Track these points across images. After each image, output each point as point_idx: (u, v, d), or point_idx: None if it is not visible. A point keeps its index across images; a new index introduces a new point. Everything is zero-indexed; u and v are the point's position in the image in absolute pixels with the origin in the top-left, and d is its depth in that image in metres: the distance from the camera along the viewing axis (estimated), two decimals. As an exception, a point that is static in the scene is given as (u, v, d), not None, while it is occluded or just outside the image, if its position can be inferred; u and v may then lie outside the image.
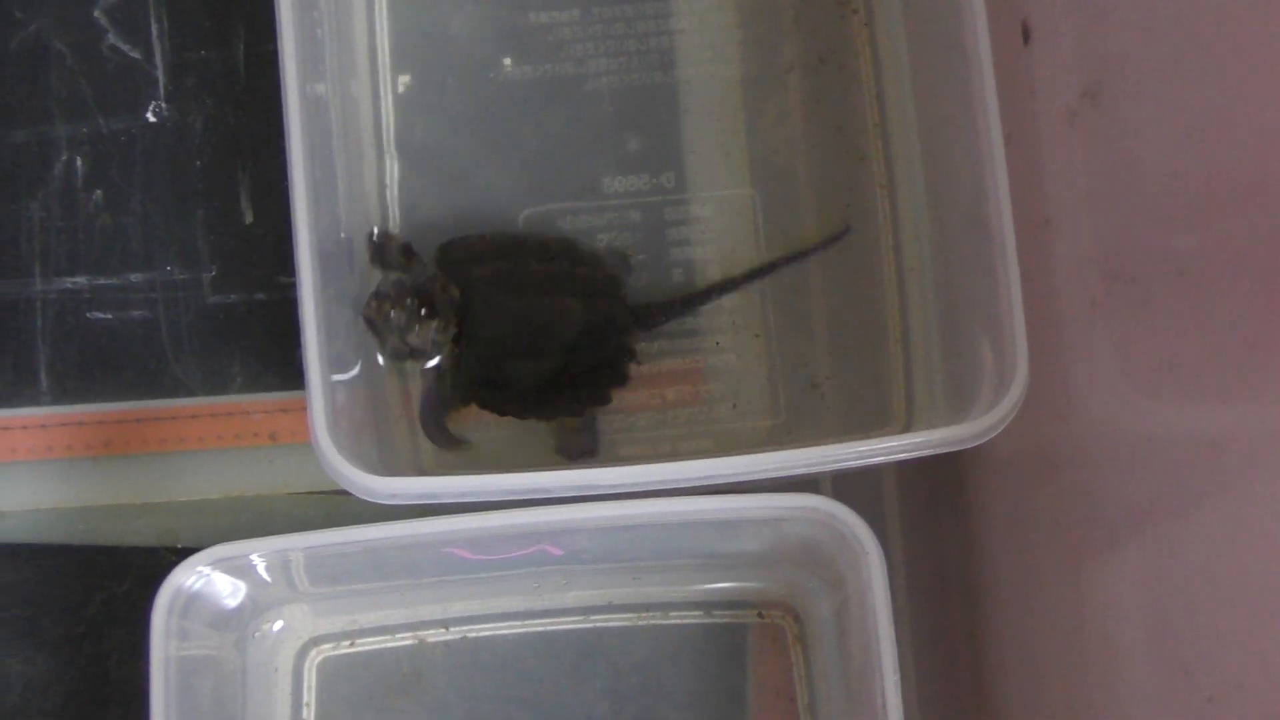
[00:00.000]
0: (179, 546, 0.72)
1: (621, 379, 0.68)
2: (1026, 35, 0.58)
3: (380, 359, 0.67)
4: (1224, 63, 0.44)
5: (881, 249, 0.71)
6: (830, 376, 0.71)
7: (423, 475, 0.60)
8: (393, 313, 0.64)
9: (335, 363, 0.60)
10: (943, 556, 0.74)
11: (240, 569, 0.59)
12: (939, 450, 0.58)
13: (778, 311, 0.72)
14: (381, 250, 0.68)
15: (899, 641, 0.71)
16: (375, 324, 0.64)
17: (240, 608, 0.62)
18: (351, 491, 0.57)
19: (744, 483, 0.59)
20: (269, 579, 0.60)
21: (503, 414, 0.66)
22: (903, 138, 0.70)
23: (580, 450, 0.68)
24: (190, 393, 0.73)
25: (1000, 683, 0.70)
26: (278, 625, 0.66)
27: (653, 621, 0.70)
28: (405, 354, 0.65)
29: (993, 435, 0.57)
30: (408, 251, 0.67)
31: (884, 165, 0.71)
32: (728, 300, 0.72)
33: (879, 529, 0.73)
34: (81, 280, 0.73)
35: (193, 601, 0.58)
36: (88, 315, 0.73)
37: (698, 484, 0.57)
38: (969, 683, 0.72)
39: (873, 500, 0.75)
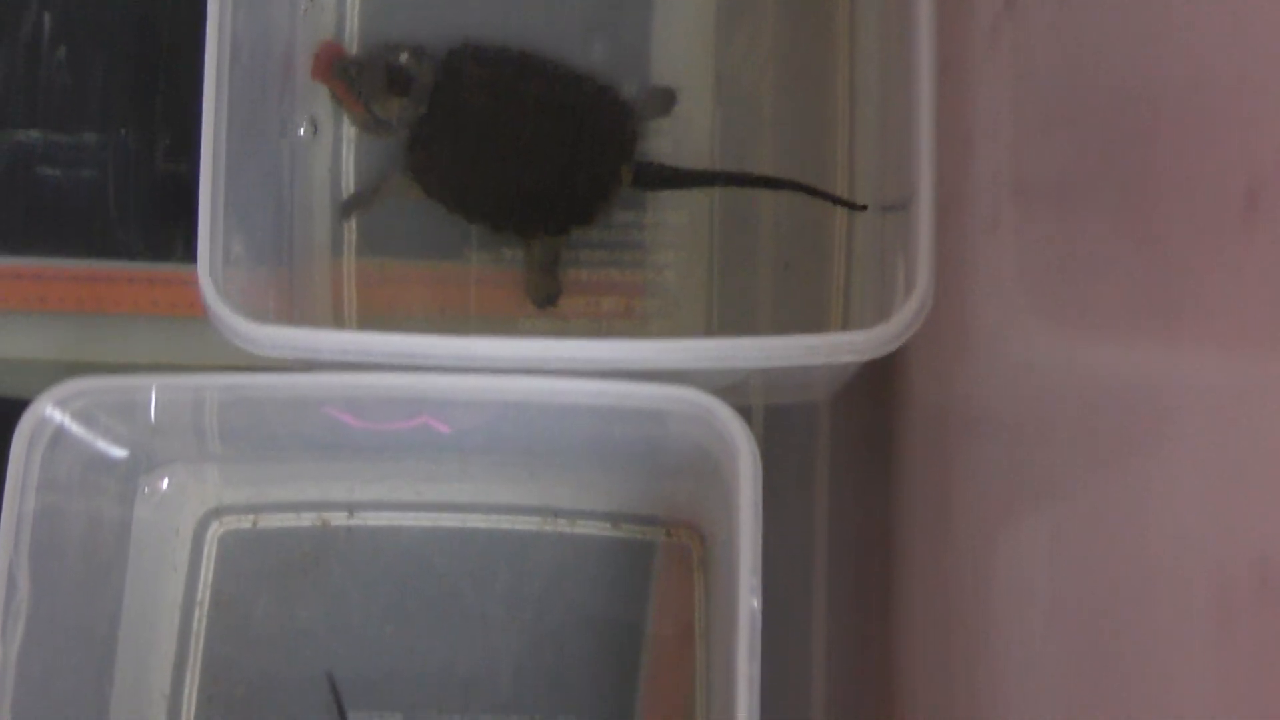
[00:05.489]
0: (102, 409, 0.71)
1: (606, 201, 0.68)
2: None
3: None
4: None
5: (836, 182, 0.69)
6: (770, 306, 0.69)
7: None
8: (363, 82, 0.66)
9: (242, 206, 0.59)
10: (867, 509, 0.72)
11: (123, 409, 0.58)
12: (834, 359, 0.56)
13: (724, 237, 0.70)
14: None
15: (815, 590, 0.70)
16: (349, 84, 0.67)
17: (125, 459, 0.62)
18: (229, 339, 0.56)
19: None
20: (155, 423, 0.59)
21: (470, 219, 0.69)
22: (864, 62, 0.68)
23: (546, 295, 0.69)
24: (131, 257, 0.72)
25: (909, 642, 0.68)
26: (168, 483, 0.65)
27: (558, 529, 0.69)
28: (371, 126, 0.68)
29: (890, 346, 0.55)
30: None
31: (848, 88, 0.69)
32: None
33: (808, 475, 0.71)
34: (35, 135, 0.73)
35: (61, 438, 0.57)
36: (37, 170, 0.72)
37: (578, 367, 0.56)
38: (879, 637, 0.70)
39: (804, 446, 0.73)
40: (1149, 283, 0.40)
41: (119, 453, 0.61)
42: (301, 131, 0.69)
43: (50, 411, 0.55)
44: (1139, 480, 0.41)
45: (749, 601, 0.53)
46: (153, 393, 0.56)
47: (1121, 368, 0.44)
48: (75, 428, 0.57)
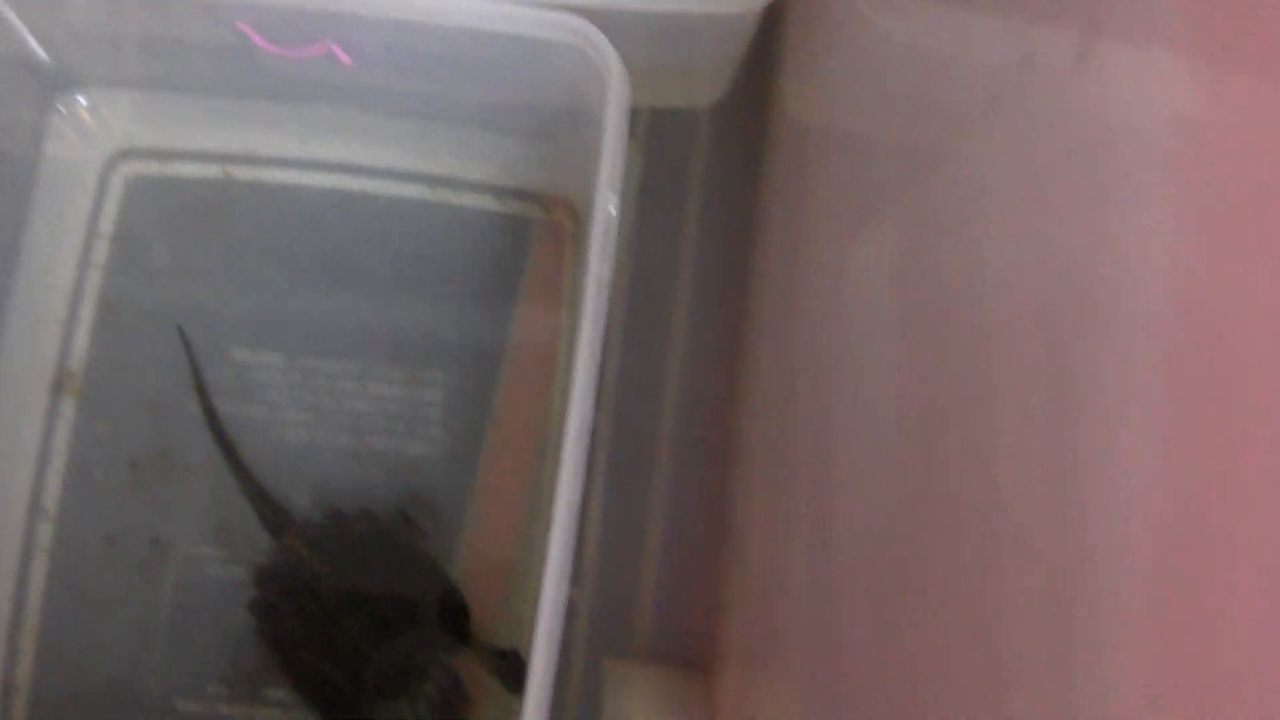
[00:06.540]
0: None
1: None
2: None
3: None
4: None
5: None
6: None
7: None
8: None
9: None
10: (737, 217, 0.77)
11: (49, 6, 0.62)
12: (708, 8, 0.61)
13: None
14: None
15: (681, 276, 0.75)
16: None
17: (46, 63, 0.66)
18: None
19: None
20: (77, 26, 0.64)
21: None
22: None
23: None
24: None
25: (761, 328, 0.73)
26: (84, 103, 0.70)
27: (445, 199, 0.74)
28: None
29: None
30: None
31: None
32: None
33: (683, 179, 0.76)
34: None
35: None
36: None
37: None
38: (736, 327, 0.75)
39: (682, 151, 0.78)
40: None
41: (41, 55, 0.65)
42: None
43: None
44: (968, 172, 0.43)
45: (605, 208, 0.58)
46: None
47: (950, 51, 0.47)
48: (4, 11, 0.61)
